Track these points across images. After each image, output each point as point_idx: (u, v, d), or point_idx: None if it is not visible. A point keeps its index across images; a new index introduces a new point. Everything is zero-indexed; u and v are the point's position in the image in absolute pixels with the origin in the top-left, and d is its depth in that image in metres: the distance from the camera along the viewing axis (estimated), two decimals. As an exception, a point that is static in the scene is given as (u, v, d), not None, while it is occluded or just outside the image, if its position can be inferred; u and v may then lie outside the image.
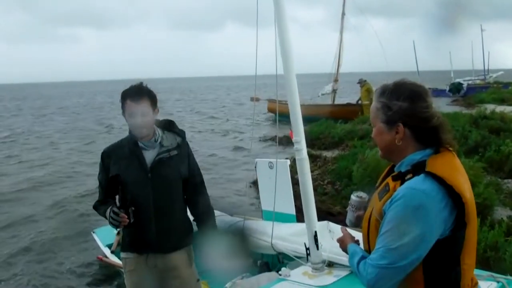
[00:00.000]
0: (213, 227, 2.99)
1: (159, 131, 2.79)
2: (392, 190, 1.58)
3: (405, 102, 1.58)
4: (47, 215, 8.08)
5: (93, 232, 5.29)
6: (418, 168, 1.55)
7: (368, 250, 1.69)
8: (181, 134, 2.89)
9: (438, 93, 29.05)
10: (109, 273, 5.21)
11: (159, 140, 2.76)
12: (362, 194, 1.96)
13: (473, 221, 1.54)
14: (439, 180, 1.49)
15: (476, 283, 1.65)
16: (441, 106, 18.51)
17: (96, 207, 2.87)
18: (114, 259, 4.56)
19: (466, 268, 1.57)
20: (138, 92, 2.66)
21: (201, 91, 71.39)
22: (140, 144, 2.73)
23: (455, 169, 1.57)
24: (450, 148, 1.61)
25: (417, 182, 1.51)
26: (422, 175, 1.52)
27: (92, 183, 7.35)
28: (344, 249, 1.83)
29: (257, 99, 20.99)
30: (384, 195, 1.60)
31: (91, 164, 11.07)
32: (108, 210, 2.62)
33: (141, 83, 2.73)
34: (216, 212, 4.68)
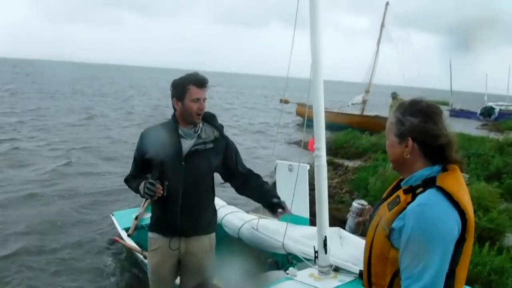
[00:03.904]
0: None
1: (200, 123, 2.89)
2: (403, 202, 1.63)
3: (417, 118, 1.67)
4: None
5: (112, 215, 5.40)
6: (428, 183, 1.62)
7: (368, 258, 1.75)
8: (220, 128, 3.00)
9: (469, 115, 28.46)
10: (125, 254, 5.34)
11: (198, 131, 2.87)
12: (364, 202, 2.12)
13: (471, 237, 1.60)
14: (448, 196, 1.55)
15: None
16: (468, 128, 18.07)
17: (127, 180, 3.02)
18: (130, 242, 4.67)
19: (459, 281, 1.62)
20: (203, 80, 2.81)
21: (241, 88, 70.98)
22: (180, 132, 2.84)
23: (461, 187, 1.64)
24: (456, 166, 1.67)
25: (429, 197, 1.56)
26: (433, 189, 1.58)
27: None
28: None
29: (286, 101, 20.93)
30: (394, 207, 1.65)
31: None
32: (143, 183, 2.76)
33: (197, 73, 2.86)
34: (232, 208, 4.78)
